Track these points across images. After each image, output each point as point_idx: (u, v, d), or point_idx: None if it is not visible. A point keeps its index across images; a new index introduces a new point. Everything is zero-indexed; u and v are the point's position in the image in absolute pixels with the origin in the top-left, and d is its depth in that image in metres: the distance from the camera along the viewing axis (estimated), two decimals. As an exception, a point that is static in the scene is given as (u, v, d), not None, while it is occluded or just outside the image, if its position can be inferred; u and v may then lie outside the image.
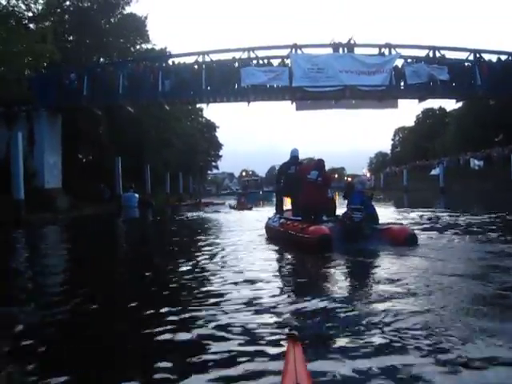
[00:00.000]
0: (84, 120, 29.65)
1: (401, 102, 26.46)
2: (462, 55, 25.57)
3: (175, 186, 52.83)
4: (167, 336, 4.23)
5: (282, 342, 3.80)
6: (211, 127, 74.39)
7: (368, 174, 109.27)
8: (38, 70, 25.85)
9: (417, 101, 26.82)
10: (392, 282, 6.02)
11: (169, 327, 4.44)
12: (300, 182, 10.45)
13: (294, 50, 24.63)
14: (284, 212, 12.06)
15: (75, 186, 28.31)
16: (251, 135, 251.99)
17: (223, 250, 9.89)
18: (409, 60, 25.11)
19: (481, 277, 6.07)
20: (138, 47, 36.92)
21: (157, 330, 4.38)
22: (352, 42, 24.94)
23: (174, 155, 49.17)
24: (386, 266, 7.29)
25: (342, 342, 3.92)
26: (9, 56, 21.51)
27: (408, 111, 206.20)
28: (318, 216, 9.94)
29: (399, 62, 24.98)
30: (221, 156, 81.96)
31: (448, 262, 7.26)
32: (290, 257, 9.11)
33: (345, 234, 9.14)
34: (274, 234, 11.15)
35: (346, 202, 9.95)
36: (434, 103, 72.55)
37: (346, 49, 24.87)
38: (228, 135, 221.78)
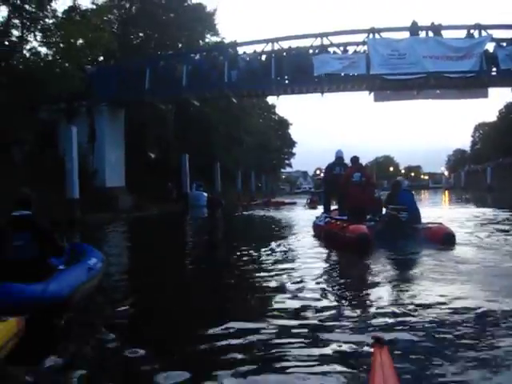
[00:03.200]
0: (148, 115, 28.40)
1: (491, 90, 23.30)
2: None
3: (247, 184, 51.79)
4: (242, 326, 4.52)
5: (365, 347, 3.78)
6: (284, 124, 72.80)
7: (446, 173, 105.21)
8: (97, 62, 24.73)
9: (510, 89, 23.65)
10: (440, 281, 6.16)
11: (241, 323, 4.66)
12: (345, 185, 10.81)
13: (371, 35, 22.14)
14: (331, 211, 12.36)
15: (139, 184, 27.26)
16: (325, 132, 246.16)
17: (277, 247, 10.39)
18: (502, 43, 21.94)
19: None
20: (206, 40, 35.48)
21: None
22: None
23: (246, 153, 47.86)
24: (427, 263, 7.62)
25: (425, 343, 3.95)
26: (71, 50, 20.48)
27: (488, 106, 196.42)
28: (363, 216, 10.24)
29: (490, 46, 21.91)
30: (294, 154, 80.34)
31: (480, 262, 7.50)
32: (331, 256, 9.30)
33: (386, 233, 9.46)
34: (320, 233, 11.50)
35: (386, 201, 10.51)
36: None
37: (429, 32, 22.12)
38: (301, 132, 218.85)
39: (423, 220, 10.23)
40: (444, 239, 9.09)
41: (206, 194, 33.40)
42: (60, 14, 20.62)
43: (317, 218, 12.47)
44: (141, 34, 32.60)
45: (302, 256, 9.03)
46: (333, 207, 12.93)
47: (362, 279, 6.98)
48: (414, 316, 4.75)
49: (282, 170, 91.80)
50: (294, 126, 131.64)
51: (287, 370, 3.48)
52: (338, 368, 3.48)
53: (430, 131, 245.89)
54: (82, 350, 4.20)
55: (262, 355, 3.84)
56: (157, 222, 22.40)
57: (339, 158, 12.11)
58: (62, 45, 20.67)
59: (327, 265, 8.34)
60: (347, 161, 11.81)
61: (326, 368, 3.49)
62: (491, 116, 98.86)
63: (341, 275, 7.30)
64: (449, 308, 4.98)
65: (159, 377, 3.38)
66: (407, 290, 5.91)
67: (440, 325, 4.45)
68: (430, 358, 3.61)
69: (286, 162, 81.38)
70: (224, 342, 4.09)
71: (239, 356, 3.80)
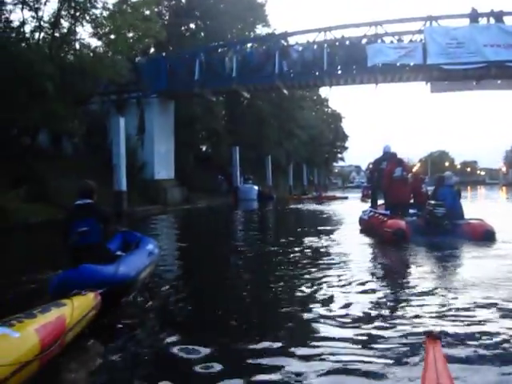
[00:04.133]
0: (198, 107, 28.14)
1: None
2: None
3: (299, 178, 51.27)
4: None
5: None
6: (337, 117, 71.52)
7: (504, 169, 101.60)
8: (147, 53, 24.60)
9: None
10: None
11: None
12: (387, 181, 10.95)
13: (428, 23, 21.06)
14: (378, 206, 12.44)
15: (189, 177, 27.15)
16: (379, 126, 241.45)
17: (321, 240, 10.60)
18: None
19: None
20: (257, 31, 34.96)
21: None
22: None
23: (298, 146, 47.20)
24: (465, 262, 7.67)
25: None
26: (120, 41, 20.34)
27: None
28: (405, 210, 10.48)
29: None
30: (347, 148, 78.78)
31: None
32: (370, 250, 9.50)
33: (426, 228, 9.53)
34: (365, 226, 11.86)
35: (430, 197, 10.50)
36: None
37: (490, 19, 20.84)
38: (355, 126, 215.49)
39: (472, 215, 10.21)
40: (484, 235, 9.08)
41: (256, 188, 33.03)
42: (111, 6, 20.53)
43: (363, 212, 12.62)
44: (192, 25, 32.36)
45: (344, 249, 9.12)
46: (381, 201, 12.87)
47: (398, 274, 7.05)
48: (459, 312, 4.65)
49: (335, 164, 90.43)
50: (347, 120, 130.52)
51: (341, 368, 3.43)
52: (391, 364, 3.42)
53: (488, 125, 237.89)
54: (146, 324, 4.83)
55: (315, 355, 3.71)
56: (205, 215, 22.18)
57: (386, 153, 12.08)
58: (111, 36, 20.53)
59: (365, 258, 8.34)
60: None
61: (378, 365, 3.43)
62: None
63: (377, 268, 7.49)
64: (494, 308, 4.78)
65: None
66: (443, 287, 5.75)
67: (488, 323, 4.33)
68: (481, 354, 3.56)
69: (339, 155, 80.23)
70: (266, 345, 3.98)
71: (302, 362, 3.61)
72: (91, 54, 20.10)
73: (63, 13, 18.70)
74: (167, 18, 30.22)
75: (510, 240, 9.18)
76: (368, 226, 11.41)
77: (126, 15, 19.96)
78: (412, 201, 11.04)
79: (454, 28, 20.86)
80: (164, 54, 25.91)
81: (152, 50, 28.02)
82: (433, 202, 9.88)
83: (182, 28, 31.28)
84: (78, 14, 18.86)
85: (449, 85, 22.45)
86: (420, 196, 11.01)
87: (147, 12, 21.88)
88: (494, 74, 20.73)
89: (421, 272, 6.72)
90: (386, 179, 10.96)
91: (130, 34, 21.52)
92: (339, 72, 22.33)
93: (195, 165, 29.80)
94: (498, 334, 4.02)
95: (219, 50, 25.32)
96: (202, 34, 31.71)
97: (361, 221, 12.39)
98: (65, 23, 19.39)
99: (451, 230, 9.37)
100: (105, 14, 19.73)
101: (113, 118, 21.40)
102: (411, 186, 10.97)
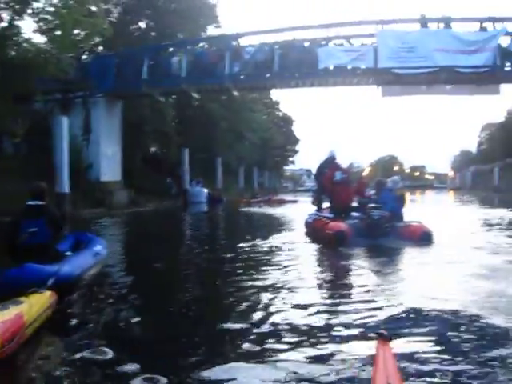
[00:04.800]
0: (147, 108, 27.53)
1: (503, 87, 22.31)
2: None
3: (249, 181, 51.23)
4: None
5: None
6: (288, 121, 71.88)
7: (451, 173, 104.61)
8: (94, 52, 23.86)
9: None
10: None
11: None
12: (328, 186, 11.33)
13: (380, 27, 21.21)
14: (323, 209, 12.52)
15: (137, 179, 26.55)
16: (329, 129, 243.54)
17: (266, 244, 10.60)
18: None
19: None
20: (208, 32, 34.47)
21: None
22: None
23: (249, 149, 47.14)
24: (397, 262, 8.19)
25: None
26: (65, 36, 19.56)
27: (495, 107, 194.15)
28: (348, 213, 10.73)
29: (505, 40, 20.94)
30: (297, 151, 79.38)
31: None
32: (312, 252, 9.60)
33: (366, 230, 9.66)
34: (309, 229, 12.00)
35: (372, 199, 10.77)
36: None
37: (439, 24, 21.18)
38: (306, 130, 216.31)
39: (418, 218, 10.54)
40: (422, 237, 9.44)
41: (206, 190, 32.67)
42: (55, 1, 19.73)
43: (308, 215, 12.78)
44: (141, 25, 31.68)
45: (288, 253, 9.32)
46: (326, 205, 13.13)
47: (339, 276, 7.23)
48: (404, 313, 4.72)
49: (286, 168, 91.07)
50: (298, 123, 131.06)
51: (287, 366, 3.43)
52: (341, 366, 3.43)
53: (436, 131, 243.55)
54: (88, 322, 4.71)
55: (258, 353, 3.75)
56: (152, 218, 21.76)
57: (331, 157, 12.27)
58: (57, 32, 19.72)
59: (307, 261, 8.42)
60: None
61: (327, 367, 3.43)
62: (498, 117, 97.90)
63: (319, 271, 7.67)
64: (437, 305, 4.91)
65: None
66: (383, 285, 6.05)
67: (435, 320, 4.45)
68: (431, 354, 3.61)
69: (290, 159, 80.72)
70: (213, 340, 4.16)
71: (233, 355, 3.75)
72: (34, 50, 19.24)
73: (2, 5, 17.84)
74: (116, 15, 29.44)
75: (447, 241, 9.63)
76: (312, 229, 11.62)
77: (71, 10, 19.20)
78: (357, 204, 11.29)
79: (405, 32, 21.16)
80: (112, 52, 25.11)
81: (100, 48, 27.29)
82: (372, 205, 10.11)
83: (132, 27, 30.57)
84: (18, 7, 18.00)
85: (400, 89, 22.71)
86: (364, 200, 11.13)
87: (94, 8, 21.17)
88: (443, 79, 21.10)
89: (361, 273, 6.94)
90: (328, 184, 11.31)
91: (76, 31, 20.77)
92: (290, 74, 22.12)
93: (143, 167, 29.18)
94: (445, 333, 4.08)
95: (169, 50, 24.80)
96: (152, 33, 31.03)
97: (306, 224, 12.58)
98: (6, 16, 18.56)
99: (391, 232, 9.61)
100: (49, 8, 18.99)
101: (56, 117, 20.58)
102: (355, 190, 11.35)
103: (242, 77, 22.69)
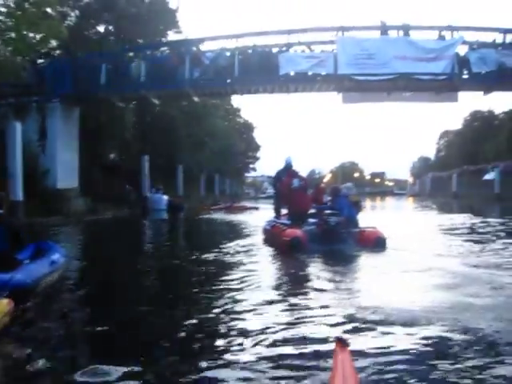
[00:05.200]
0: (106, 114, 26.94)
1: (460, 95, 22.71)
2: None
3: (211, 188, 50.93)
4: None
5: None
6: (249, 127, 71.95)
7: (411, 180, 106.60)
8: (51, 56, 23.22)
9: (481, 93, 23.07)
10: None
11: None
12: (286, 193, 11.63)
13: (340, 33, 21.28)
14: (282, 215, 12.66)
15: (95, 186, 25.85)
16: (291, 136, 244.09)
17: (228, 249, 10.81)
18: (474, 46, 21.32)
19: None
20: (169, 38, 34.10)
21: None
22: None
23: (210, 156, 46.82)
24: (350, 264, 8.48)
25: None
26: (19, 39, 18.97)
27: (453, 115, 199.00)
28: (305, 219, 10.86)
29: (462, 49, 21.32)
30: (259, 158, 79.55)
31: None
32: (269, 258, 9.79)
33: (322, 236, 9.88)
34: (267, 236, 12.23)
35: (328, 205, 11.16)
36: (483, 105, 69.82)
37: (399, 32, 21.40)
38: (267, 136, 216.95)
39: (376, 224, 10.83)
40: (376, 243, 9.70)
41: (166, 198, 32.18)
42: (11, 4, 19.16)
43: (266, 222, 13.02)
44: (99, 29, 31.08)
45: (245, 259, 9.33)
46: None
47: (295, 282, 7.26)
48: (362, 317, 4.77)
49: (248, 175, 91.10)
50: (260, 130, 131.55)
51: (245, 370, 3.48)
52: (300, 372, 3.43)
53: (396, 138, 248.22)
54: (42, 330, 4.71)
55: (217, 358, 3.79)
56: (110, 226, 21.21)
57: (288, 164, 12.54)
58: (9, 34, 19.13)
59: (263, 268, 8.49)
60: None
61: (285, 372, 3.45)
62: (456, 124, 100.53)
63: (276, 278, 7.72)
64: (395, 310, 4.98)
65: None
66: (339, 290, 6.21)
67: (392, 324, 4.50)
68: (389, 359, 3.64)
69: (251, 165, 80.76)
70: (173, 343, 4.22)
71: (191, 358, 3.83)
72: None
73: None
74: (73, 19, 28.80)
75: (399, 246, 9.93)
76: (270, 236, 11.82)
77: (25, 12, 18.66)
78: (314, 211, 11.45)
79: (365, 39, 21.36)
80: (69, 56, 24.48)
81: (57, 52, 26.62)
82: (328, 211, 10.43)
83: (90, 31, 29.96)
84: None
85: (360, 96, 22.91)
86: (321, 207, 11.45)
87: (49, 10, 20.60)
88: (402, 86, 21.33)
89: (316, 280, 7.07)
90: (285, 191, 11.61)
91: (31, 34, 20.20)
92: (251, 80, 21.97)
93: (102, 174, 28.49)
94: (402, 338, 4.11)
95: (130, 55, 24.30)
96: (111, 37, 30.48)
97: (264, 230, 12.80)
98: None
99: (346, 238, 9.90)
100: (2, 9, 18.42)
101: (9, 122, 19.89)
102: (313, 197, 11.80)
103: (202, 82, 22.39)
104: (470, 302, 5.26)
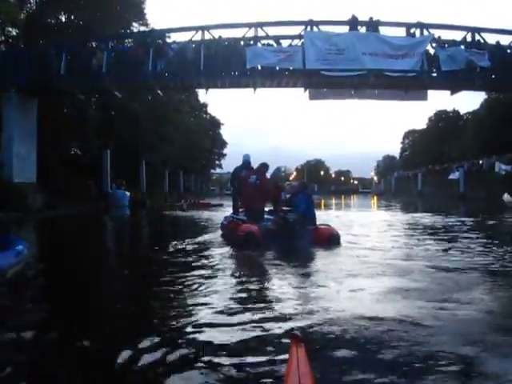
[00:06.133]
0: (66, 106, 26.04)
1: (430, 93, 22.61)
2: (507, 39, 21.65)
3: (175, 184, 50.23)
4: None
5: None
6: (215, 124, 71.37)
7: (376, 178, 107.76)
8: (8, 44, 22.22)
9: (449, 92, 23.13)
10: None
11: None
12: (243, 188, 11.78)
13: (309, 28, 20.90)
14: (240, 212, 12.58)
15: (54, 181, 25.00)
16: (257, 133, 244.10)
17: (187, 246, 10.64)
18: (443, 44, 21.27)
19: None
20: (134, 30, 33.20)
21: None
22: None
23: (174, 152, 46.05)
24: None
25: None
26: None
27: (417, 114, 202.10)
28: (259, 216, 10.91)
29: (432, 47, 21.23)
30: (225, 155, 79.19)
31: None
32: (225, 253, 9.42)
33: (278, 232, 10.07)
34: (225, 231, 12.25)
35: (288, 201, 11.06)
36: (447, 105, 71.26)
37: (368, 28, 21.14)
38: (233, 133, 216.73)
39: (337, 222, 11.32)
40: (330, 240, 9.87)
41: (128, 194, 31.38)
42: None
43: (224, 218, 13.14)
44: (62, 18, 30.00)
45: (203, 254, 9.35)
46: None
47: (250, 276, 7.05)
48: (320, 313, 4.68)
49: (213, 171, 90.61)
50: (226, 127, 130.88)
51: (199, 364, 3.47)
52: (254, 368, 3.39)
53: (361, 136, 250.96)
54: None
55: (179, 353, 3.71)
56: (69, 222, 20.40)
57: (246, 161, 12.63)
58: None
59: (220, 262, 8.35)
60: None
61: (241, 367, 3.43)
62: (420, 124, 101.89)
63: (233, 273, 7.43)
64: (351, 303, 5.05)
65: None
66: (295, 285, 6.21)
67: (349, 320, 4.41)
68: (345, 356, 3.61)
69: (217, 162, 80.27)
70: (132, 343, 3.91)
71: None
72: None
73: None
74: (33, 7, 27.70)
75: (353, 243, 10.16)
76: (227, 231, 11.86)
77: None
78: (272, 208, 11.66)
79: (334, 34, 21.11)
80: (27, 46, 23.46)
81: (15, 41, 25.56)
82: (285, 208, 10.66)
83: (51, 20, 28.88)
84: None
85: (327, 92, 22.59)
86: (279, 204, 11.47)
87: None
88: (371, 83, 21.06)
89: (271, 273, 7.09)
90: (243, 186, 11.73)
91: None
92: (217, 73, 21.38)
93: (62, 168, 27.56)
94: (359, 332, 4.07)
95: (92, 45, 23.38)
96: (74, 27, 29.43)
97: (222, 226, 12.91)
98: None
99: (302, 234, 9.92)
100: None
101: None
102: (270, 194, 11.56)
103: (166, 75, 21.72)
104: (409, 289, 5.62)
